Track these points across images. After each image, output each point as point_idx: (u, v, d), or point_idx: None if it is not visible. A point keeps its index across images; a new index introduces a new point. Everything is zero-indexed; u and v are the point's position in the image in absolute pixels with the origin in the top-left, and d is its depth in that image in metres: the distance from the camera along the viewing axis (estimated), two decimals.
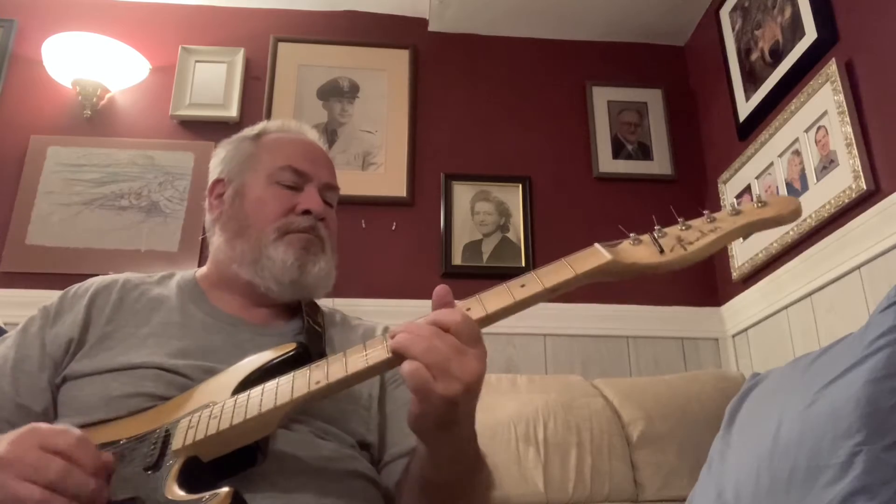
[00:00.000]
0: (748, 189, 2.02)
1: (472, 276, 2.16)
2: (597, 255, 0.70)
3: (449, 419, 0.67)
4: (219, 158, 1.10)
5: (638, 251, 0.71)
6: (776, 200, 0.71)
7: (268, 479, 0.76)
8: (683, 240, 0.70)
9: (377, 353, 0.70)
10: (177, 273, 1.07)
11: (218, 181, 1.08)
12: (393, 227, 2.22)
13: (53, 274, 2.00)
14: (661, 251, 0.69)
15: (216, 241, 1.04)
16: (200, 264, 2.08)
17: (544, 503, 1.56)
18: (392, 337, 0.68)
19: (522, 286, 0.71)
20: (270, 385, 0.73)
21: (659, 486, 1.61)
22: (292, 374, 0.73)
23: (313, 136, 1.11)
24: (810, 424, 0.98)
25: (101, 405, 0.83)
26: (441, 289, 0.72)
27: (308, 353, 0.84)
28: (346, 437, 0.89)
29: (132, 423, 0.80)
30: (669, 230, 0.72)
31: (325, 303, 1.11)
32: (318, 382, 0.70)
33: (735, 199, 0.73)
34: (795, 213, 0.70)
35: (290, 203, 1.00)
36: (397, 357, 0.66)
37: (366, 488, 0.87)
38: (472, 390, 0.65)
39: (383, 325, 1.09)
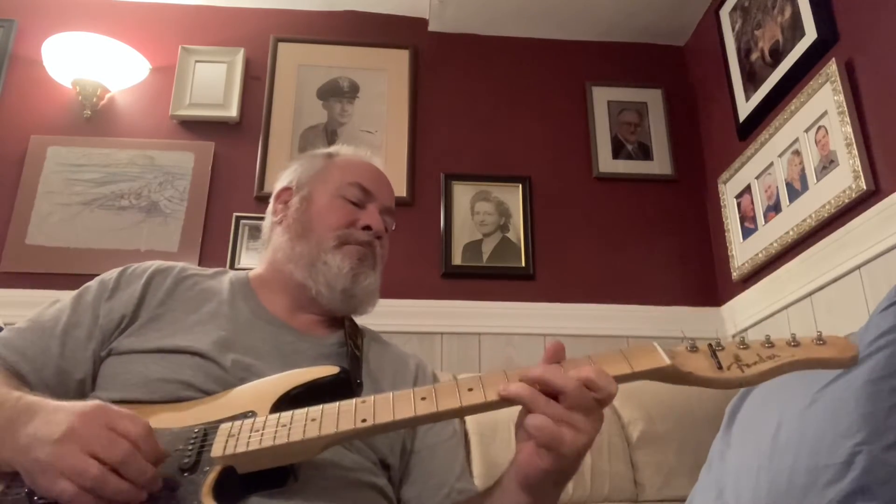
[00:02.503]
0: (748, 189, 2.02)
1: (472, 276, 2.17)
2: (655, 357, 0.71)
3: (571, 473, 0.70)
4: (290, 170, 1.16)
5: (696, 360, 0.71)
6: (836, 342, 0.71)
7: (289, 485, 0.77)
8: (741, 360, 0.71)
9: (425, 404, 0.71)
10: (229, 271, 1.10)
11: (286, 189, 1.12)
12: (393, 227, 2.21)
13: (53, 274, 2.00)
14: (720, 367, 0.70)
15: (276, 240, 1.08)
16: (200, 265, 2.09)
17: None
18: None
19: None
20: (315, 411, 0.73)
21: (659, 486, 1.61)
22: (338, 404, 0.74)
23: (380, 164, 1.18)
24: (810, 424, 0.98)
25: (139, 385, 0.85)
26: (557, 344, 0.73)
27: (348, 379, 0.85)
28: (370, 452, 0.90)
29: (169, 412, 0.81)
30: (727, 345, 0.72)
31: None
32: (364, 420, 0.71)
33: (793, 334, 0.73)
34: (852, 360, 0.70)
35: (353, 217, 1.05)
36: (443, 413, 0.69)
37: (380, 503, 0.89)
38: (592, 443, 0.67)
39: (416, 358, 1.11)
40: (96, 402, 0.71)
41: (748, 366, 0.70)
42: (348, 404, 0.73)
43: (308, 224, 1.05)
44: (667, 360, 0.70)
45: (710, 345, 0.73)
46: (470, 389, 0.70)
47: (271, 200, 1.14)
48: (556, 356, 0.72)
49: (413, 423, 0.73)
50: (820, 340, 0.71)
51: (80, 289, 0.98)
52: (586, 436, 0.66)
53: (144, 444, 0.68)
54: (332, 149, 1.18)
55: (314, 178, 1.10)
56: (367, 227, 1.05)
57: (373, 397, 0.73)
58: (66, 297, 0.98)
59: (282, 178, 1.16)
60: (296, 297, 1.03)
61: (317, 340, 1.01)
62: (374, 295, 1.08)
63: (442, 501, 0.93)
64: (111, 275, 1.00)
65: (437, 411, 0.70)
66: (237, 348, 0.91)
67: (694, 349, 0.72)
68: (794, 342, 0.71)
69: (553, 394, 0.67)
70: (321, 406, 0.74)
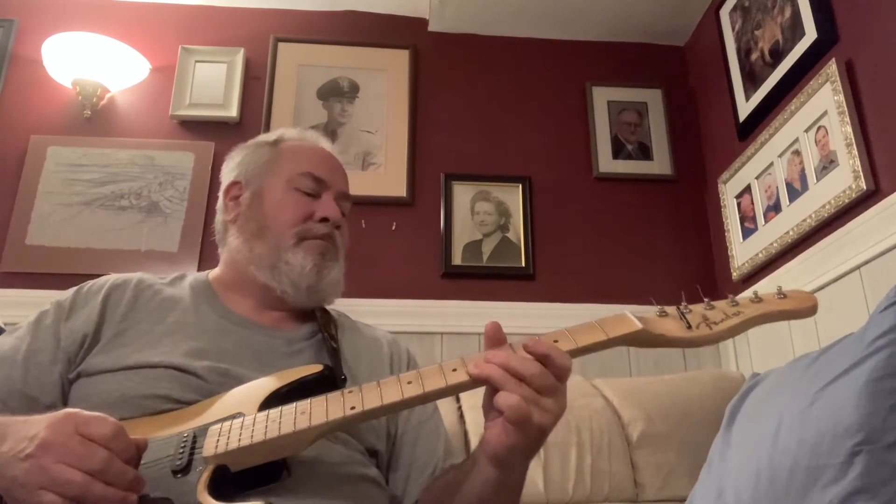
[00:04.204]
0: (748, 189, 2.02)
1: (472, 276, 2.17)
2: (627, 323, 0.75)
3: (536, 448, 0.72)
4: (234, 162, 1.11)
5: (666, 323, 0.76)
6: (795, 295, 0.77)
7: (282, 482, 0.77)
8: (709, 319, 0.75)
9: (412, 388, 0.72)
10: (188, 274, 1.07)
11: (234, 183, 1.08)
12: (393, 227, 2.22)
13: (53, 274, 2.00)
14: (689, 327, 0.74)
15: (232, 241, 1.05)
16: (200, 265, 2.09)
17: (544, 503, 1.56)
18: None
19: (556, 342, 0.74)
20: (303, 404, 0.74)
21: (659, 486, 1.61)
22: (325, 395, 0.75)
23: (328, 146, 1.13)
24: (810, 424, 0.98)
25: (117, 404, 0.82)
26: (494, 325, 0.76)
27: (333, 375, 0.86)
28: (356, 443, 0.90)
29: (154, 423, 0.80)
30: (694, 307, 0.77)
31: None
32: (352, 408, 0.72)
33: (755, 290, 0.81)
34: (812, 309, 0.76)
35: (309, 209, 1.02)
36: (430, 394, 0.72)
37: (374, 493, 0.89)
38: (557, 422, 0.70)
39: (388, 337, 1.10)
40: (65, 410, 0.69)
41: (716, 323, 0.74)
42: (336, 394, 0.74)
43: (263, 222, 1.02)
44: (638, 325, 0.74)
45: (678, 308, 0.77)
46: (454, 370, 0.73)
47: (220, 196, 1.10)
48: (497, 337, 0.75)
49: (401, 407, 0.74)
50: (781, 294, 0.77)
51: (37, 314, 0.95)
52: (552, 416, 0.69)
53: (116, 444, 0.66)
54: (275, 135, 1.12)
55: (263, 171, 1.06)
56: (325, 219, 1.02)
57: (359, 386, 0.75)
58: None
59: (227, 171, 1.11)
60: (261, 297, 1.01)
61: (288, 335, 0.99)
62: (340, 285, 1.05)
63: (427, 481, 0.93)
64: (67, 294, 0.97)
65: (425, 392, 0.72)
66: (210, 356, 0.89)
67: (663, 314, 0.77)
68: (757, 298, 0.77)
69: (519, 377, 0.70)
70: (309, 399, 0.75)
